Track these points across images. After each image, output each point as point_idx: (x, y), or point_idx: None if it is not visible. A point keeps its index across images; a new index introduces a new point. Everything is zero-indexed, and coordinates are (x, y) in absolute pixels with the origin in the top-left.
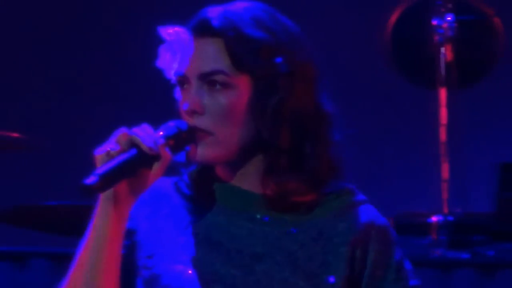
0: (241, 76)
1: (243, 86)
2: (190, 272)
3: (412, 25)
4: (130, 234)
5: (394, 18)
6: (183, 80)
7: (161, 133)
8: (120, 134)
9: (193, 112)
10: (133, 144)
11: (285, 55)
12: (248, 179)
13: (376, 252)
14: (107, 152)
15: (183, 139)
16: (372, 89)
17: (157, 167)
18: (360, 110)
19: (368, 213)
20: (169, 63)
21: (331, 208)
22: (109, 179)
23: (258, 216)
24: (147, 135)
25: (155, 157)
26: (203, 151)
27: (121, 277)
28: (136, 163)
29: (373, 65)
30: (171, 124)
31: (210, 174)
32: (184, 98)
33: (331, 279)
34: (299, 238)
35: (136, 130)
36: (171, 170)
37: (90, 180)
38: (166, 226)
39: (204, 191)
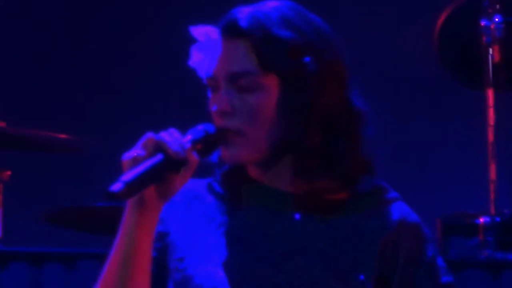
0: (270, 77)
1: (272, 86)
2: (221, 273)
3: (460, 26)
4: (162, 237)
5: (442, 18)
6: (212, 81)
7: (188, 137)
8: (147, 139)
9: (222, 113)
10: (159, 149)
11: (313, 54)
12: (280, 178)
13: (408, 249)
14: (134, 158)
15: (212, 142)
16: (420, 90)
17: (184, 171)
18: (408, 111)
19: (400, 210)
20: (200, 63)
21: (363, 206)
22: (135, 185)
23: (290, 215)
24: (174, 140)
25: (182, 162)
26: (234, 152)
27: (154, 280)
28: (163, 168)
29: (421, 66)
30: (199, 128)
31: (242, 174)
32: (214, 99)
33: (361, 277)
34: (330, 236)
35: (163, 134)
36: (205, 170)
37: (116, 187)
38: (198, 228)
39: (236, 190)
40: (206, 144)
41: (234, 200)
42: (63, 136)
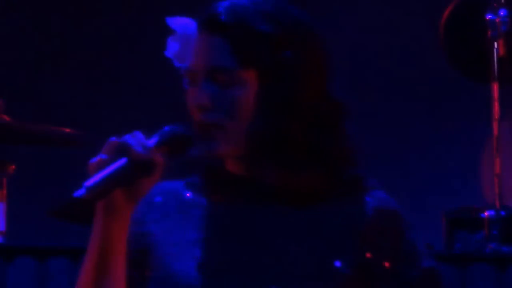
0: (248, 71)
1: (251, 80)
2: (196, 269)
3: (466, 20)
4: (142, 238)
5: (447, 12)
6: (190, 75)
7: (154, 139)
8: (110, 143)
9: (201, 108)
10: (123, 152)
11: (293, 47)
12: (261, 171)
13: (387, 236)
14: (98, 162)
15: (180, 141)
16: (424, 84)
17: (151, 173)
18: (413, 104)
19: (378, 197)
20: (177, 55)
21: (342, 195)
22: (99, 190)
23: (271, 207)
24: (137, 142)
25: (147, 164)
26: (214, 146)
27: (136, 281)
28: (127, 171)
29: (426, 60)
30: (166, 128)
31: (221, 169)
32: (192, 93)
33: (338, 264)
34: (311, 226)
35: (127, 138)
36: (184, 166)
37: (79, 192)
38: (177, 225)
39: (215, 185)
40: (173, 144)
41: (213, 195)
42: (68, 130)
